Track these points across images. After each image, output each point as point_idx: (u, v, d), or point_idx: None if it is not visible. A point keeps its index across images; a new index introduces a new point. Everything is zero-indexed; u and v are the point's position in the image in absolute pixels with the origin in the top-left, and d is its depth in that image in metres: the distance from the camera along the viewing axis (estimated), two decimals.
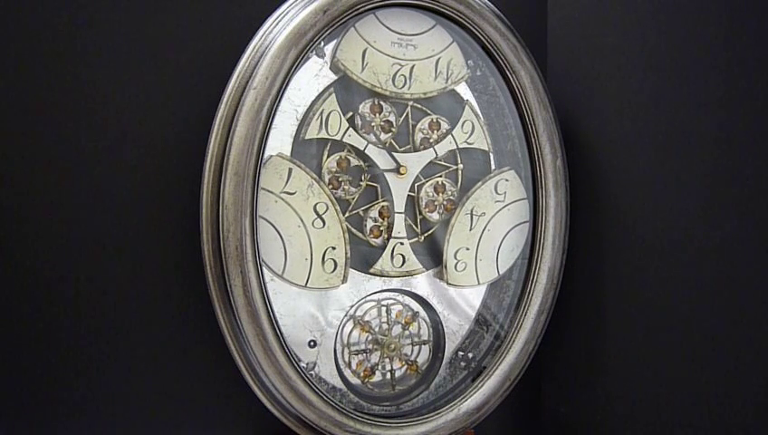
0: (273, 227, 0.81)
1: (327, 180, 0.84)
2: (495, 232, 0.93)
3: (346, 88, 0.85)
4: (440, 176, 0.90)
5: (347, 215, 0.85)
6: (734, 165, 0.74)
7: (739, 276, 0.73)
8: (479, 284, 0.93)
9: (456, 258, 0.91)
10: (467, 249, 0.92)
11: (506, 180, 0.93)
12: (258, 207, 0.78)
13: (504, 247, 0.94)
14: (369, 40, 0.85)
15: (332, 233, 0.84)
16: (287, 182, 0.81)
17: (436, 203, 0.90)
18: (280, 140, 0.81)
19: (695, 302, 0.79)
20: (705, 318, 0.77)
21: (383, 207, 0.87)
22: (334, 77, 0.84)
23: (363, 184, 0.86)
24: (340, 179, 0.85)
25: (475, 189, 0.92)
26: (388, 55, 0.86)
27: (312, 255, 0.83)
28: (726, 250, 0.75)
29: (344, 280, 0.85)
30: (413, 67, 0.88)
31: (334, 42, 0.84)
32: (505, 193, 0.93)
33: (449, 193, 0.91)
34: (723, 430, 0.75)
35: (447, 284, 0.91)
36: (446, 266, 0.91)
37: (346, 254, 0.85)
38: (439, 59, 0.89)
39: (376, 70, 0.86)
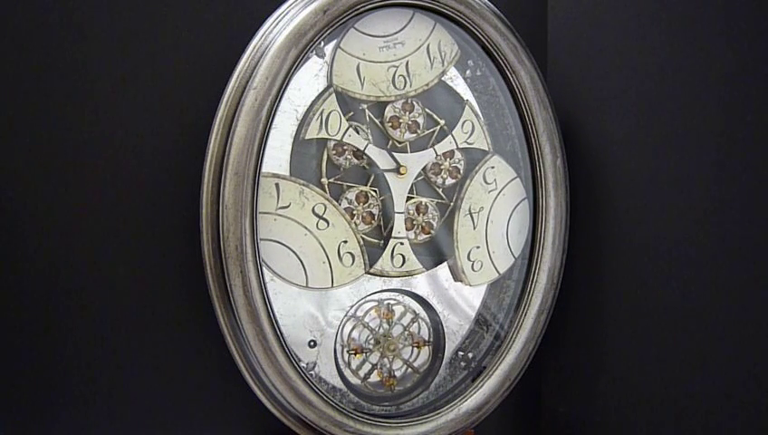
0: (282, 244, 0.81)
1: (332, 145, 0.83)
2: (499, 221, 0.93)
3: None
4: (432, 200, 0.90)
5: (331, 180, 0.84)
6: (734, 165, 0.74)
7: (739, 276, 0.73)
8: (500, 274, 0.93)
9: (470, 260, 0.91)
10: (478, 248, 0.92)
11: (492, 167, 0.93)
12: (261, 232, 0.78)
13: (511, 231, 0.93)
14: (357, 55, 0.85)
15: (339, 228, 0.84)
16: (278, 198, 0.81)
17: (415, 222, 0.89)
18: (280, 140, 0.81)
19: (695, 302, 0.78)
20: (705, 318, 0.77)
21: (361, 191, 0.86)
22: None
23: (362, 163, 0.86)
24: (344, 147, 0.84)
25: (465, 188, 0.92)
26: (381, 61, 0.86)
27: (327, 256, 0.83)
28: (726, 250, 0.75)
29: (367, 267, 0.85)
30: (408, 63, 0.87)
31: (334, 42, 0.84)
32: (495, 180, 0.93)
33: (430, 216, 0.90)
34: (723, 430, 0.75)
35: (470, 286, 0.92)
36: (463, 271, 0.91)
37: (359, 242, 0.85)
38: (429, 45, 0.88)
39: (375, 81, 0.85)
